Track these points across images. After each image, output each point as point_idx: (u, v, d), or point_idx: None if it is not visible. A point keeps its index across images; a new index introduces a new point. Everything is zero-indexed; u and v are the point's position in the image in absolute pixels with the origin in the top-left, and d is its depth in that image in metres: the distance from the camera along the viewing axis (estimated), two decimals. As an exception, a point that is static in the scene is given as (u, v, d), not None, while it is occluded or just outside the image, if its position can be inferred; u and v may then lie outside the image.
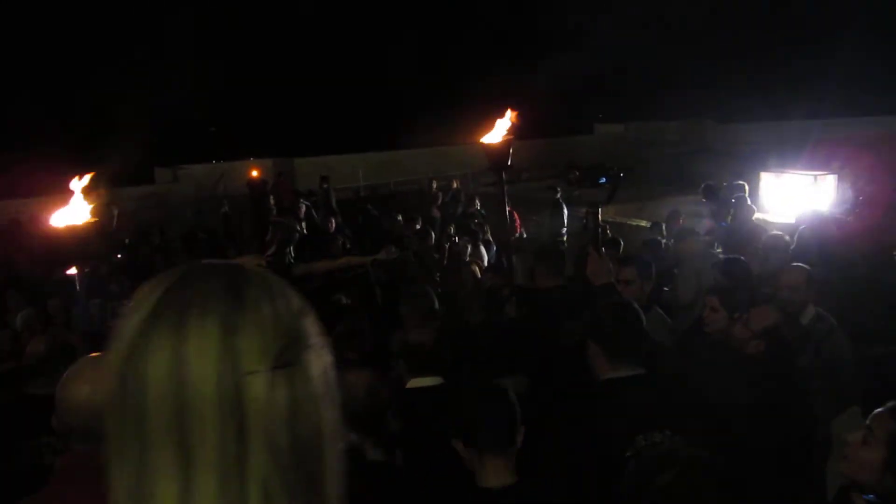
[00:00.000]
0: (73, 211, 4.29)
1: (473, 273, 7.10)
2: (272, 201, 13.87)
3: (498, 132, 5.26)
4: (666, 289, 6.29)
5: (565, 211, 13.04)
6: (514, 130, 5.32)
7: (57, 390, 2.14)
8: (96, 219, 4.42)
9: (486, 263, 8.52)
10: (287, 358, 0.90)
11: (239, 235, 13.68)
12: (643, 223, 14.28)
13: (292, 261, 7.42)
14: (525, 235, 12.15)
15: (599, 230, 3.93)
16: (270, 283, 0.95)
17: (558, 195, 13.53)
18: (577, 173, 21.38)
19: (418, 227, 11.74)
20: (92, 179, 4.48)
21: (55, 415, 2.18)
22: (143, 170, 22.24)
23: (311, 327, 0.95)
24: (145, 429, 0.86)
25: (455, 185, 15.10)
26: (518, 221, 12.24)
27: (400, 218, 11.47)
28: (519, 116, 5.42)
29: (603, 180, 20.14)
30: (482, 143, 5.24)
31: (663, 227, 9.17)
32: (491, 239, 10.11)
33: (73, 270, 4.48)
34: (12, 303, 8.22)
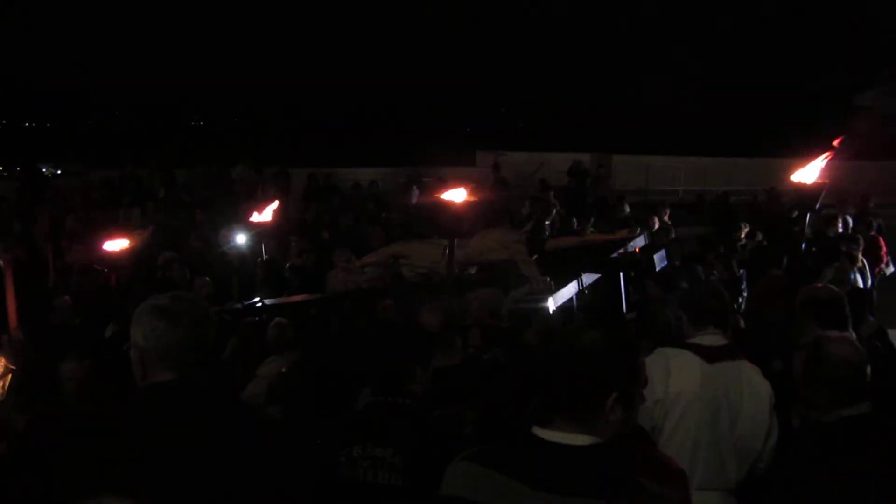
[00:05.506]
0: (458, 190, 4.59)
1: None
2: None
3: (813, 169, 4.67)
4: None
5: None
6: (836, 158, 4.80)
7: None
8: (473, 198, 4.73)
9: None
10: None
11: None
12: None
13: (545, 236, 7.86)
14: (892, 271, 10.50)
15: None
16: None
17: None
18: None
19: (744, 233, 10.87)
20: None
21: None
22: (465, 154, 23.38)
23: None
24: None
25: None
26: (885, 249, 10.62)
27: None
28: (847, 142, 4.91)
29: None
30: (792, 181, 4.78)
31: None
32: (865, 266, 8.77)
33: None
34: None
